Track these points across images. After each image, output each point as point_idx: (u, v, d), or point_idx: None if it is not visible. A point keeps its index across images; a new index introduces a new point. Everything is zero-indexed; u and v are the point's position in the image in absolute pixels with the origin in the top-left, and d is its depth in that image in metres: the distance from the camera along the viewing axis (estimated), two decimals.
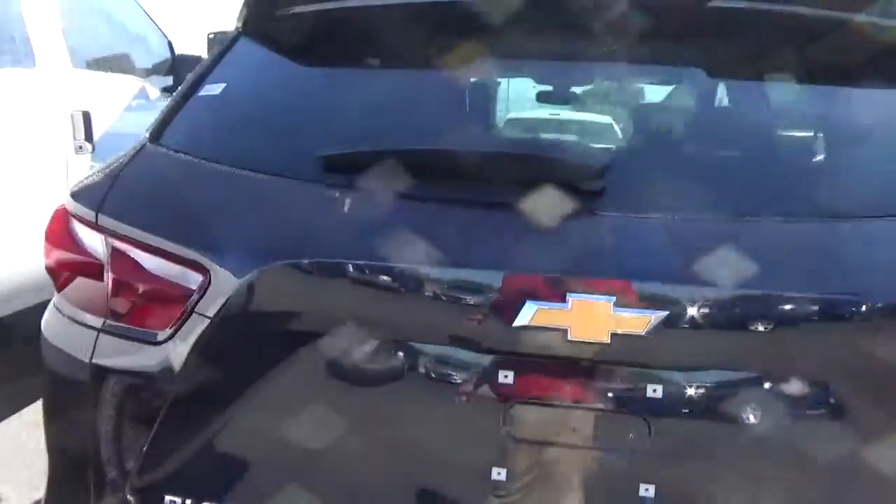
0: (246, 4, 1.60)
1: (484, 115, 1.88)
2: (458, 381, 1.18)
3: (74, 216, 1.38)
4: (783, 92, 1.46)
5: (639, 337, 1.09)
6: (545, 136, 2.05)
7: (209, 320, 1.19)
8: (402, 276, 1.17)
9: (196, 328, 1.20)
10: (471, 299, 1.15)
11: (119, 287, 1.30)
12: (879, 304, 1.11)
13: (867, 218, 1.18)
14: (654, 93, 2.25)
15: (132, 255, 1.29)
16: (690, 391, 1.14)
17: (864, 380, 1.12)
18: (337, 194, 1.23)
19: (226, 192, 1.31)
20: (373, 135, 1.37)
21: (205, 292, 1.20)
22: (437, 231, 1.18)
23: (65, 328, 1.38)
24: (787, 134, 1.52)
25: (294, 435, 1.20)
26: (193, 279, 1.22)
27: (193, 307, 1.21)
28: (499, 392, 1.17)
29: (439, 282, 1.16)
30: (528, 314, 1.10)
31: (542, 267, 1.14)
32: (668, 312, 1.09)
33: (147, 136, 1.46)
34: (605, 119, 2.84)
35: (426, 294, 1.16)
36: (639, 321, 1.09)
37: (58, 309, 1.42)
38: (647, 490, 1.14)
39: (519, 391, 1.17)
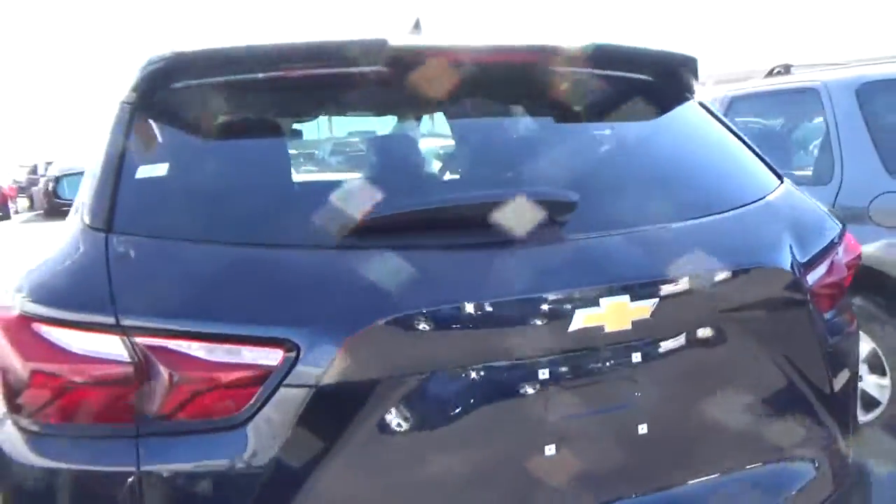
0: (142, 78, 1.55)
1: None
2: (520, 384, 1.40)
3: (64, 323, 1.29)
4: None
5: (648, 318, 1.43)
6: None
7: (308, 389, 1.26)
8: (482, 312, 1.35)
9: (289, 401, 1.26)
10: (536, 317, 1.38)
11: (170, 383, 1.27)
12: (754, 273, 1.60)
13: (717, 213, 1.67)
14: None
15: (179, 349, 1.28)
16: (672, 348, 1.51)
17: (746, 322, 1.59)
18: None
19: (264, 269, 1.35)
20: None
21: (293, 365, 1.26)
22: (491, 269, 1.40)
23: (68, 449, 1.29)
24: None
25: (409, 468, 1.34)
26: (271, 356, 1.27)
27: (280, 382, 1.26)
28: (549, 385, 1.41)
29: (510, 309, 1.37)
30: (580, 319, 1.38)
31: (580, 283, 1.41)
32: (657, 298, 1.44)
33: (88, 225, 1.40)
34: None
35: (499, 321, 1.37)
36: (646, 308, 1.43)
37: (44, 433, 1.31)
38: (643, 428, 1.48)
39: (564, 381, 1.42)
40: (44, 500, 1.31)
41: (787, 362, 1.63)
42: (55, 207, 17.03)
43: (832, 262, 1.76)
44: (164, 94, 1.57)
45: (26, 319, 1.33)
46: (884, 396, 3.30)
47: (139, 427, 1.28)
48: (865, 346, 3.32)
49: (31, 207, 23.28)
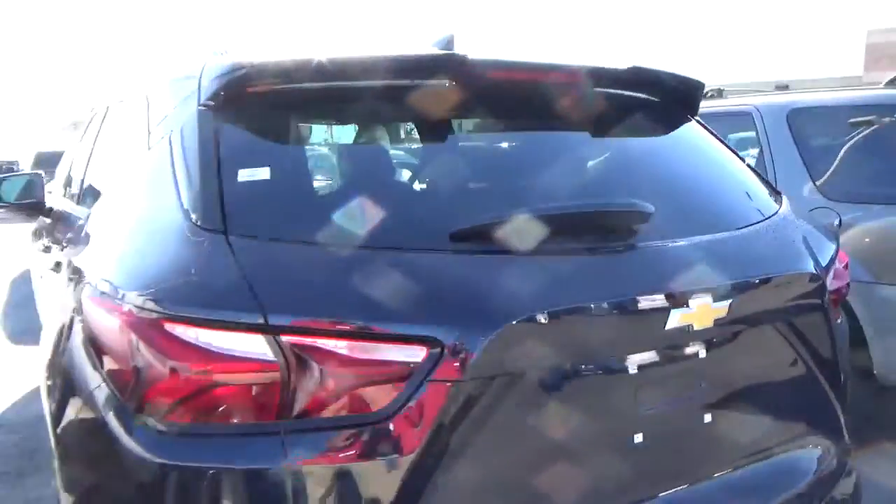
0: (225, 84, 1.59)
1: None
2: (623, 378, 1.55)
3: (205, 322, 1.31)
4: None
5: (724, 317, 1.61)
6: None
7: (450, 384, 1.35)
8: (600, 312, 1.51)
9: (432, 396, 1.34)
10: (640, 316, 1.55)
11: (318, 381, 1.32)
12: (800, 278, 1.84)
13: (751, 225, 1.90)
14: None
15: (327, 347, 1.33)
16: (739, 342, 1.71)
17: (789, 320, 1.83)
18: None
19: (405, 271, 1.41)
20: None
21: (437, 363, 1.34)
22: (602, 273, 1.56)
23: (208, 449, 1.33)
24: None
25: (537, 458, 1.47)
26: (416, 354, 1.34)
27: (424, 378, 1.33)
28: (644, 378, 1.57)
29: (621, 308, 1.53)
30: (674, 319, 1.54)
31: (674, 286, 1.57)
32: (731, 299, 1.62)
33: (199, 226, 1.42)
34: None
35: (614, 320, 1.52)
36: (724, 308, 1.61)
37: (179, 432, 1.33)
38: (708, 417, 1.68)
39: (650, 376, 1.58)
40: (181, 500, 1.33)
41: (815, 357, 1.87)
42: None
43: (835, 270, 2.02)
44: (248, 99, 1.63)
45: (156, 319, 1.34)
46: None
47: (284, 424, 1.32)
48: None
49: None
